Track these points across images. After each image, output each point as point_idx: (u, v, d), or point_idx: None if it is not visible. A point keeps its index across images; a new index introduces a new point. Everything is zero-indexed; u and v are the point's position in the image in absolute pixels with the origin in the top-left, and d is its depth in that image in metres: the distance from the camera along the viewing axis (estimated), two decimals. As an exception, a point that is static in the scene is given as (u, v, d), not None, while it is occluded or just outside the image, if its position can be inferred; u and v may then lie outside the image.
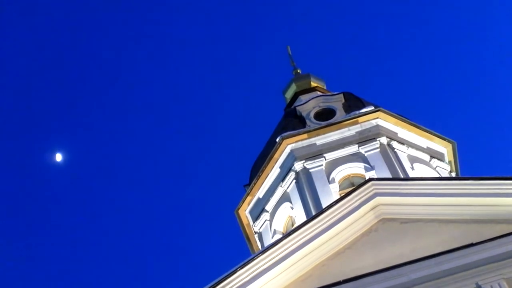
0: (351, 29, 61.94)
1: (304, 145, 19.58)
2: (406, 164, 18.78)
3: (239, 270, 13.51)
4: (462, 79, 60.04)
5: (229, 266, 13.81)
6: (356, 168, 18.80)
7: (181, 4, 62.08)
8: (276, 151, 19.79)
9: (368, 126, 19.54)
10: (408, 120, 20.45)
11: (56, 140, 56.16)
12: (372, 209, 14.53)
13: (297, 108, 21.87)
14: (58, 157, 50.94)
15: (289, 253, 13.87)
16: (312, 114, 21.14)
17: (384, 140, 19.18)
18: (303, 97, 24.52)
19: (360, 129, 19.54)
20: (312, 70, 27.80)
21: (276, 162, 19.89)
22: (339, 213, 14.41)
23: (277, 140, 19.93)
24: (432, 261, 12.83)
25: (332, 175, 18.66)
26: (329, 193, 18.00)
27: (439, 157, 20.22)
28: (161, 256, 59.18)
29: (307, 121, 20.84)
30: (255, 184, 20.31)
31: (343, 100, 21.38)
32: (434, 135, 20.47)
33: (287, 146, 19.63)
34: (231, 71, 62.22)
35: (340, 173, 18.80)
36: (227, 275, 13.46)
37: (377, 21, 58.90)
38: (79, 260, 58.37)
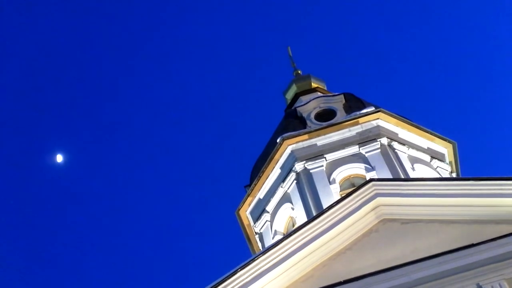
0: (351, 30, 62.12)
1: (305, 145, 19.58)
2: (407, 165, 18.78)
3: (240, 270, 13.49)
4: (462, 79, 60.10)
5: (230, 266, 13.82)
6: (357, 169, 18.80)
7: (181, 5, 62.23)
8: (277, 151, 19.78)
9: (368, 127, 19.54)
10: (408, 121, 20.46)
11: (56, 141, 56.23)
12: (372, 209, 14.52)
13: (298, 109, 21.88)
14: (59, 158, 51.03)
15: (290, 254, 13.85)
16: (312, 115, 21.15)
17: (384, 140, 19.18)
18: (304, 98, 24.55)
19: (360, 129, 19.53)
20: (312, 71, 27.90)
21: (276, 163, 19.88)
22: (340, 213, 14.41)
23: (278, 141, 19.92)
24: (433, 261, 12.82)
25: (333, 175, 18.66)
26: (330, 193, 18.00)
27: (440, 157, 20.21)
28: (162, 257, 59.21)
29: (308, 122, 20.85)
30: (255, 184, 20.31)
31: (344, 101, 21.40)
32: (435, 135, 20.47)
33: (288, 147, 19.63)
34: (232, 72, 62.29)
35: (341, 173, 18.80)
36: (228, 276, 13.44)
37: (377, 21, 58.91)
38: (80, 261, 58.45)
